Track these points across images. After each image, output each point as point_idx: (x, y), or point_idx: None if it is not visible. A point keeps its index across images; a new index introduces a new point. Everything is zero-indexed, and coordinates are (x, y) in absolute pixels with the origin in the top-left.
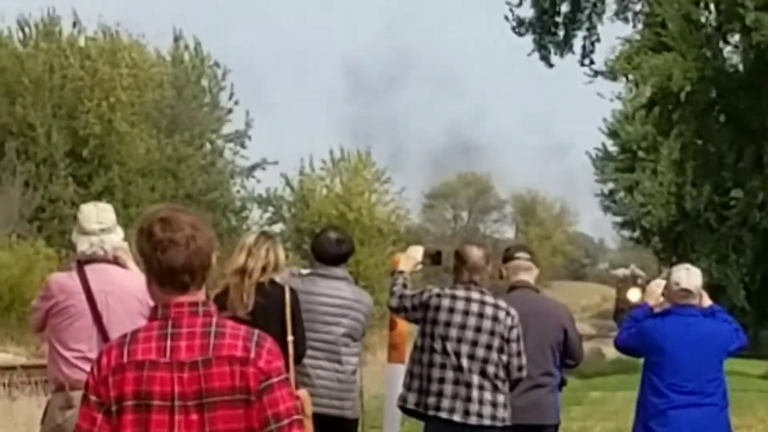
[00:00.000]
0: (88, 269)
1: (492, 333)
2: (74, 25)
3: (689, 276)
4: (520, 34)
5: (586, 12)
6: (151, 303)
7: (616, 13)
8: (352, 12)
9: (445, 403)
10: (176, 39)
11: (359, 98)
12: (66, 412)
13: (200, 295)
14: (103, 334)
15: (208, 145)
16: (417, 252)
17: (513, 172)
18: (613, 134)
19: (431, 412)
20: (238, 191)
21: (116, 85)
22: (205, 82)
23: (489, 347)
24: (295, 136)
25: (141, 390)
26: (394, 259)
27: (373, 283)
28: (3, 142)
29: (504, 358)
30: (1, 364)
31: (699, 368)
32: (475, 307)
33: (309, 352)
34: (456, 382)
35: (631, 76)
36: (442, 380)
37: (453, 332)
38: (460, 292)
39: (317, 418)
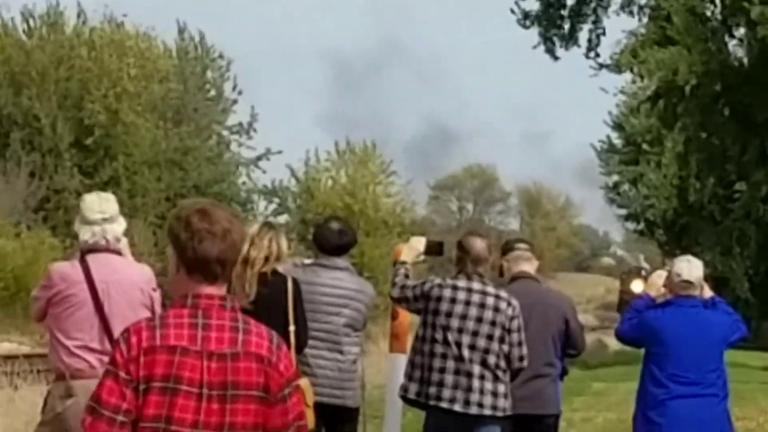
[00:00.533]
0: (90, 259)
1: (493, 323)
2: (79, 16)
3: (690, 267)
4: (526, 27)
5: (592, 5)
6: (153, 293)
7: (622, 7)
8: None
9: (446, 393)
10: (180, 31)
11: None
12: (66, 401)
13: (225, 289)
14: (104, 323)
15: (214, 137)
16: (419, 243)
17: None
18: (618, 127)
19: (432, 402)
20: (243, 183)
21: (123, 75)
22: (209, 74)
23: (490, 337)
24: (285, 128)
25: (171, 373)
26: (396, 250)
27: (378, 275)
28: (8, 133)
29: (505, 348)
30: (4, 353)
31: (699, 359)
32: (476, 298)
33: (310, 341)
34: (457, 372)
35: (636, 70)
36: (443, 370)
37: (454, 322)
38: (462, 283)
39: (318, 407)
